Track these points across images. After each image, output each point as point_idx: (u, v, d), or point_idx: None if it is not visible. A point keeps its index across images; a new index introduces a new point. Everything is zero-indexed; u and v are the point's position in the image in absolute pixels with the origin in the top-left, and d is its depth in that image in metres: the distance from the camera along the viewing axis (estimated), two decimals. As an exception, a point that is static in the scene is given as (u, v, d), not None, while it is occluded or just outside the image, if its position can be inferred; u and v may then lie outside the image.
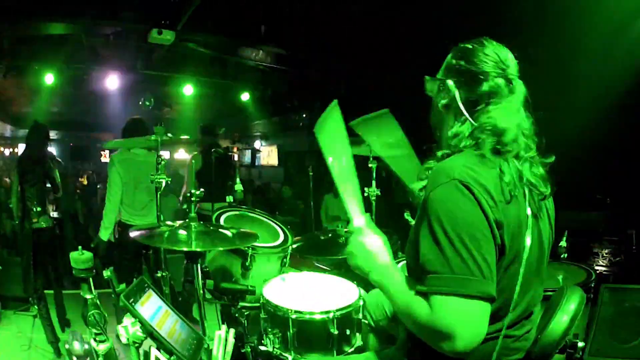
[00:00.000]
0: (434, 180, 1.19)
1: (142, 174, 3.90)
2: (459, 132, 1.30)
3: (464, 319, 1.08)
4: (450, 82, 1.34)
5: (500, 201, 1.16)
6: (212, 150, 4.09)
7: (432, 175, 1.23)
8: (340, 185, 1.48)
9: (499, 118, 1.26)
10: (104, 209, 3.92)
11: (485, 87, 1.29)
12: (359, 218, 1.45)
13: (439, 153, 1.35)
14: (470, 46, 1.35)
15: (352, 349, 2.11)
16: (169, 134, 2.65)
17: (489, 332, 1.14)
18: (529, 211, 1.23)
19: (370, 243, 1.37)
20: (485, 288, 1.09)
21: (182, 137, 4.00)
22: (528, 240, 1.21)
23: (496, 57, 1.31)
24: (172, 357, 1.60)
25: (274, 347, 2.12)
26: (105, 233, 3.87)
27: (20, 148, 16.69)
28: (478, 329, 1.09)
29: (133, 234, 2.16)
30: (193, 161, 4.75)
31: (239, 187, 3.15)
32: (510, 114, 1.27)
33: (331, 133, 1.53)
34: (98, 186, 11.36)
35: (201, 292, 2.18)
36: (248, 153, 17.74)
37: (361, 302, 2.14)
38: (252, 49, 6.36)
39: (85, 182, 12.63)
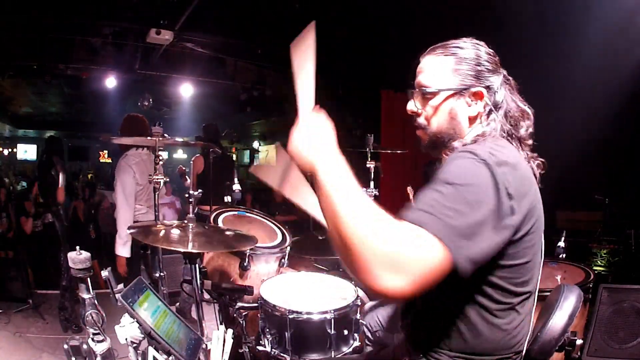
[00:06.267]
0: (454, 156, 1.16)
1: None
2: (486, 130, 1.31)
3: (428, 261, 0.95)
4: (481, 89, 1.32)
5: (518, 187, 1.12)
6: (210, 150, 4.08)
7: (452, 155, 1.19)
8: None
9: (514, 109, 1.34)
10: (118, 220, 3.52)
11: (500, 83, 1.34)
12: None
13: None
14: (472, 49, 1.34)
15: (350, 349, 2.11)
16: (166, 135, 2.62)
17: (503, 310, 1.20)
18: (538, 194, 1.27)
19: (316, 125, 1.08)
20: (458, 250, 0.98)
21: (178, 139, 3.96)
22: (541, 220, 1.25)
23: (495, 55, 1.37)
24: (170, 357, 1.60)
25: (271, 348, 2.12)
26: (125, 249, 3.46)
27: (20, 148, 16.72)
28: (426, 279, 0.95)
29: (130, 231, 2.16)
30: (192, 162, 4.70)
31: (237, 187, 3.15)
32: (519, 104, 1.35)
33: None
34: (98, 186, 11.32)
35: (199, 292, 2.17)
36: (246, 153, 17.74)
37: (359, 303, 2.14)
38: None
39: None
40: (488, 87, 1.32)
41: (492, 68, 1.34)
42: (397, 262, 0.92)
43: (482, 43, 1.37)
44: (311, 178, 1.04)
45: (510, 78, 1.39)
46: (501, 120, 1.32)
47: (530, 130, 1.35)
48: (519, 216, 1.11)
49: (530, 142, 1.35)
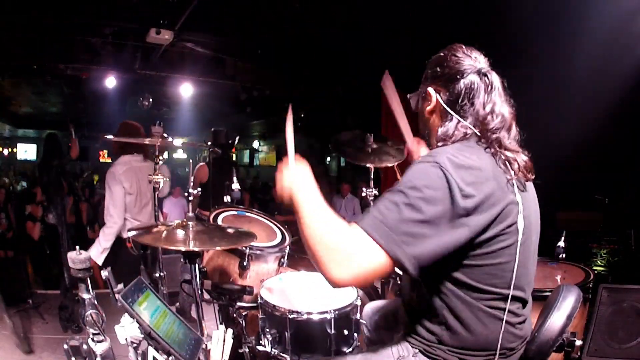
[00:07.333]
0: (415, 161, 1.28)
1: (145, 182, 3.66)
2: (448, 130, 1.39)
3: (365, 259, 1.16)
4: (430, 88, 1.45)
5: (479, 189, 1.19)
6: (210, 150, 4.07)
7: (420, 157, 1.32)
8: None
9: (480, 110, 1.36)
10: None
11: (461, 84, 1.39)
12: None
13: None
14: (442, 54, 1.46)
15: (350, 349, 2.11)
16: (165, 135, 2.60)
17: (492, 307, 1.27)
18: (518, 196, 1.29)
19: (300, 170, 1.39)
20: (396, 250, 1.15)
21: (180, 141, 3.94)
22: (520, 222, 1.28)
23: (467, 57, 1.41)
24: (170, 358, 1.59)
25: (271, 348, 2.12)
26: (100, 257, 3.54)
27: (20, 148, 16.72)
28: (365, 273, 1.17)
29: (131, 233, 2.15)
30: (195, 170, 4.56)
31: (236, 187, 3.15)
32: (490, 104, 1.37)
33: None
34: (97, 187, 11.29)
35: (199, 292, 2.17)
36: (246, 153, 17.74)
37: (359, 303, 2.14)
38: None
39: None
40: (444, 88, 1.42)
41: (455, 71, 1.40)
42: (340, 259, 1.17)
43: (459, 48, 1.43)
44: (293, 206, 1.34)
45: (493, 81, 1.39)
46: (460, 122, 1.37)
47: (509, 132, 1.37)
48: (481, 216, 1.19)
49: (508, 144, 1.34)
